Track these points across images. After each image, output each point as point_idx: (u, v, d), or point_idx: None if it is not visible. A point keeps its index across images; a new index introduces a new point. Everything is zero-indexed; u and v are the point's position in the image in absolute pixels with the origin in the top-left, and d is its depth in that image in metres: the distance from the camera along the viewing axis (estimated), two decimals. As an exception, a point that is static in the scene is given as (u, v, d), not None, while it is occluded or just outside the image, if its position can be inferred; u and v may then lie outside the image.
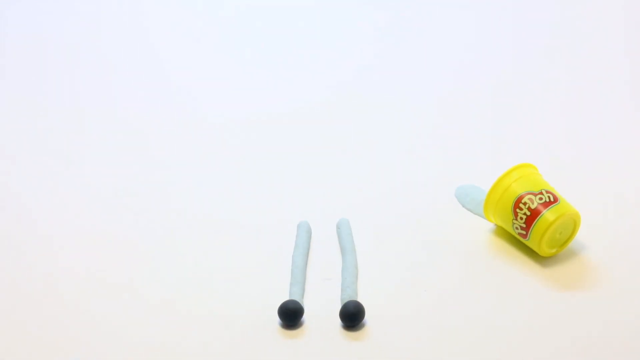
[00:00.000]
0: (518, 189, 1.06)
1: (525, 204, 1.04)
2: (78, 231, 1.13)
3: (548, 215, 1.03)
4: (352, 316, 0.94)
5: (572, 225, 1.05)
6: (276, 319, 0.96)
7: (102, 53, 1.55)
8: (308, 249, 1.08)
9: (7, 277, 1.05)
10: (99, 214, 1.17)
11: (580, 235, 1.07)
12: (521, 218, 1.04)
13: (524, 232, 1.05)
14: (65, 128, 1.38)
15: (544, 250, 1.05)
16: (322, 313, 0.97)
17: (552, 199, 1.04)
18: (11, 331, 0.96)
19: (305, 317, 0.97)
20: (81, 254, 1.09)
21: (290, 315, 0.95)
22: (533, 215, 1.03)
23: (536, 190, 1.05)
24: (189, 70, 1.55)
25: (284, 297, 0.99)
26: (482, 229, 1.12)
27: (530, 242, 1.05)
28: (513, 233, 1.07)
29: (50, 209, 1.18)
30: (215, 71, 1.53)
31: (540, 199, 1.04)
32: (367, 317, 0.96)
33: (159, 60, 1.57)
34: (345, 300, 0.97)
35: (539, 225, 1.03)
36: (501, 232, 1.11)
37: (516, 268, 1.05)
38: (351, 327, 0.95)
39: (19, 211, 1.18)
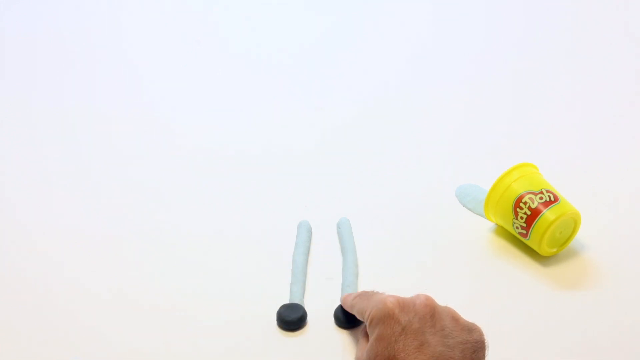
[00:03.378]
0: (518, 189, 1.06)
1: (525, 203, 1.04)
2: (75, 235, 1.13)
3: (548, 214, 1.03)
4: (344, 318, 0.95)
5: (572, 224, 1.05)
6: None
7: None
8: (308, 248, 1.08)
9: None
10: (97, 215, 1.17)
11: (581, 235, 1.07)
12: (522, 217, 1.04)
13: (525, 232, 1.05)
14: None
15: (545, 249, 1.05)
16: (323, 313, 0.97)
17: (552, 199, 1.04)
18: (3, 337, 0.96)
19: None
20: (77, 258, 1.09)
21: (292, 324, 0.95)
22: (533, 215, 1.03)
23: (536, 189, 1.05)
24: (188, 73, 1.55)
25: (285, 296, 0.99)
26: (482, 228, 1.12)
27: (531, 242, 1.05)
28: (513, 232, 1.07)
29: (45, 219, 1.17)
30: (216, 72, 1.53)
31: (541, 198, 1.04)
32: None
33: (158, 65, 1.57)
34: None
35: (539, 224, 1.03)
36: (501, 232, 1.11)
37: (516, 268, 1.05)
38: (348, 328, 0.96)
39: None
